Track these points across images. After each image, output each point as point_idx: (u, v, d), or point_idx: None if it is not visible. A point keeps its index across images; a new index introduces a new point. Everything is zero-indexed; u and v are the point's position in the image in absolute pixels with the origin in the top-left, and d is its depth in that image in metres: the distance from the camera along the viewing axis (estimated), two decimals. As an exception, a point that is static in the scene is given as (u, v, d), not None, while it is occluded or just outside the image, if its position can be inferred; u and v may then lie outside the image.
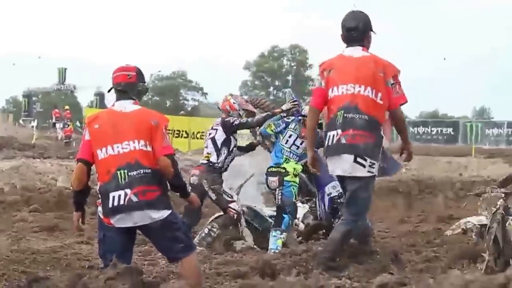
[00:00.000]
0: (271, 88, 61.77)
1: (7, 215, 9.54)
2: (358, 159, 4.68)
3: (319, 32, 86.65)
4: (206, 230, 6.92)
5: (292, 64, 62.85)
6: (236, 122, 6.86)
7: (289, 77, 62.21)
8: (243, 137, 7.33)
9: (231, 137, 6.93)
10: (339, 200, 6.72)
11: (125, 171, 3.98)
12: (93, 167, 4.19)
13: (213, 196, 6.82)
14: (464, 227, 6.37)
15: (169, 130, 4.88)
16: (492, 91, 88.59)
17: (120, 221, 4.01)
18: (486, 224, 5.82)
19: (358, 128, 4.67)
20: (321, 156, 5.54)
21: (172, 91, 59.16)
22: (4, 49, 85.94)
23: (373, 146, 4.71)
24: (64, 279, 4.31)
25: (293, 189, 6.59)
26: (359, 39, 4.88)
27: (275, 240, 6.44)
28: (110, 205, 3.99)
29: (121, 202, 3.96)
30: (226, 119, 6.94)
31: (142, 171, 3.99)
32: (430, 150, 21.26)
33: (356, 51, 4.86)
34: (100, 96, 45.08)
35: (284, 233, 6.48)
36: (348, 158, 4.70)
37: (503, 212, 5.89)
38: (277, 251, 5.97)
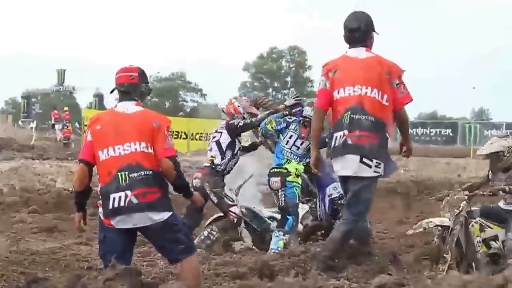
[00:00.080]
0: (270, 90, 61.73)
1: (6, 216, 9.55)
2: (364, 160, 4.70)
3: (318, 33, 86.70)
4: (205, 233, 6.92)
5: (291, 66, 62.83)
6: (240, 124, 6.87)
7: (288, 79, 62.18)
8: (242, 138, 7.33)
9: (236, 140, 6.94)
10: (339, 202, 6.74)
11: (126, 172, 3.98)
12: (95, 168, 4.20)
13: (215, 199, 6.83)
14: (426, 227, 6.39)
15: (169, 131, 4.87)
16: (491, 92, 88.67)
17: (120, 223, 4.01)
18: (449, 226, 5.83)
19: (364, 129, 4.70)
20: (323, 157, 5.55)
21: (171, 92, 59.10)
22: (3, 50, 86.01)
23: (378, 147, 4.74)
24: (63, 280, 4.32)
25: (296, 190, 6.61)
26: (361, 39, 4.90)
27: (277, 241, 6.44)
28: (111, 207, 3.99)
29: (122, 203, 3.96)
30: (230, 122, 6.95)
31: (143, 173, 3.99)
32: (428, 151, 21.30)
33: (361, 52, 4.88)
34: (99, 97, 45.05)
35: (287, 235, 6.48)
36: (355, 158, 4.72)
37: (465, 215, 5.90)
38: (278, 251, 5.98)
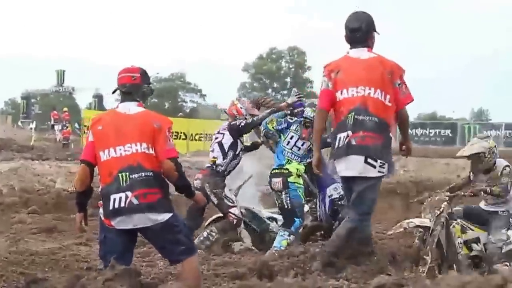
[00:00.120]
0: (270, 90, 61.71)
1: (6, 216, 9.56)
2: (369, 160, 4.72)
3: (318, 34, 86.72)
4: (205, 234, 6.92)
5: (291, 66, 62.84)
6: (242, 124, 6.88)
7: (288, 79, 62.18)
8: (243, 138, 7.34)
9: (238, 141, 6.95)
10: (339, 202, 6.76)
11: (127, 173, 3.98)
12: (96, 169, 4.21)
13: (215, 200, 6.84)
14: (406, 227, 6.40)
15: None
16: (490, 93, 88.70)
17: (121, 223, 4.01)
18: (429, 227, 5.82)
19: (368, 130, 4.71)
20: (324, 158, 5.56)
21: (171, 93, 59.09)
22: (2, 50, 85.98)
23: (382, 147, 4.76)
24: (63, 281, 4.32)
25: (299, 191, 6.61)
26: (362, 40, 4.90)
27: (281, 240, 6.45)
28: (111, 207, 4.00)
29: (122, 204, 3.97)
30: (233, 123, 6.96)
31: (143, 174, 3.99)
32: (428, 152, 21.29)
33: (363, 53, 4.88)
34: (99, 98, 45.03)
35: (292, 236, 6.48)
36: (359, 159, 4.73)
37: (446, 216, 5.90)
38: (280, 249, 6.00)
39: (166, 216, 4.02)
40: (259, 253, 6.51)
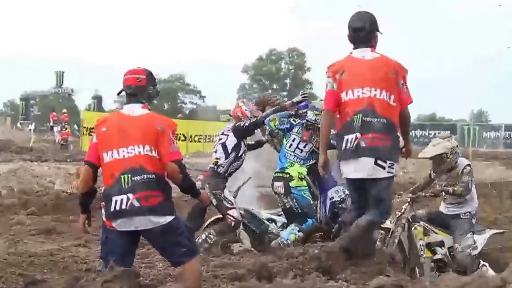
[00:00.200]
0: (269, 92, 61.81)
1: (5, 218, 9.54)
2: (378, 161, 4.72)
3: (318, 35, 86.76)
4: (203, 236, 6.91)
5: (290, 68, 62.89)
6: (246, 124, 6.89)
7: (287, 80, 62.24)
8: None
9: (242, 142, 6.95)
10: (340, 205, 6.75)
11: (129, 175, 3.98)
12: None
13: (214, 201, 6.82)
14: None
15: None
16: (490, 94, 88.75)
17: (122, 225, 4.01)
18: (390, 228, 5.81)
19: (376, 131, 4.71)
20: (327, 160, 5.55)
21: (170, 94, 59.11)
22: (1, 51, 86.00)
23: (391, 148, 4.77)
24: (61, 282, 4.31)
25: (305, 192, 6.63)
26: (366, 39, 4.90)
27: (290, 233, 6.48)
28: (112, 209, 4.00)
29: (123, 206, 3.97)
30: (237, 124, 6.96)
31: (145, 177, 3.98)
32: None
33: (366, 53, 4.88)
34: (98, 99, 45.06)
35: (301, 232, 6.49)
36: (369, 161, 4.72)
37: (408, 217, 5.88)
38: (286, 243, 6.09)
39: (167, 219, 4.01)
40: (258, 255, 6.49)
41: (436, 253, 6.07)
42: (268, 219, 7.20)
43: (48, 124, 34.15)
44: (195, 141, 24.84)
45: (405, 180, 15.01)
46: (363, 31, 4.88)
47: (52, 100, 53.81)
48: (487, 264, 5.98)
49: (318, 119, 6.50)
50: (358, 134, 4.72)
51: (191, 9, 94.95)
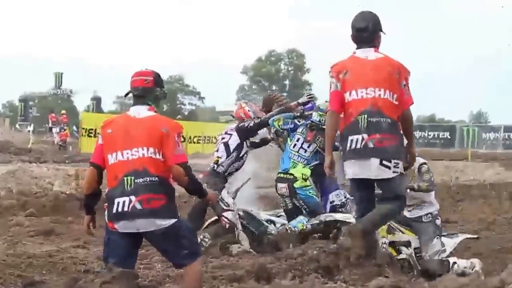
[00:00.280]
0: (268, 93, 61.82)
1: (3, 219, 9.53)
2: (384, 162, 4.73)
3: (317, 36, 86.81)
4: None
5: (290, 69, 62.93)
6: (251, 124, 6.90)
7: (286, 82, 62.27)
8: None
9: (244, 143, 6.95)
10: (340, 210, 6.76)
11: (132, 177, 3.97)
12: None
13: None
14: (324, 219, 6.38)
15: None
16: (489, 95, 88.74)
17: (124, 227, 4.00)
18: (351, 223, 5.79)
19: (383, 131, 4.72)
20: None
21: (169, 96, 58.81)
22: (0, 52, 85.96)
23: (398, 147, 4.80)
24: (60, 283, 4.32)
25: (310, 192, 6.65)
26: (369, 40, 4.90)
27: (298, 223, 6.53)
28: (114, 211, 3.99)
29: (125, 208, 3.96)
30: (241, 124, 6.97)
31: (148, 179, 3.97)
32: (426, 154, 21.29)
33: (370, 53, 4.88)
34: (97, 100, 45.05)
35: (309, 225, 6.53)
36: (375, 161, 4.73)
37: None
38: (293, 229, 6.23)
39: (170, 222, 4.00)
40: (257, 256, 6.49)
41: (401, 253, 6.02)
42: (267, 220, 7.19)
43: (47, 125, 34.16)
44: (194, 142, 24.82)
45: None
46: (367, 31, 4.89)
47: (51, 101, 53.83)
48: (457, 261, 5.86)
49: (322, 120, 6.51)
50: (365, 135, 4.72)
51: (190, 10, 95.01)
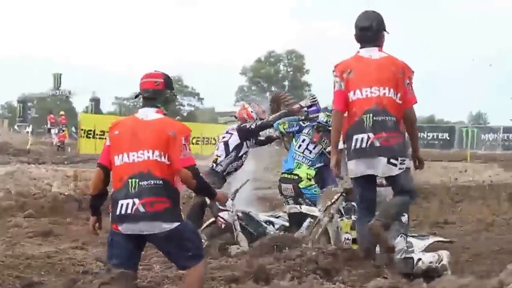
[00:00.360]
0: (268, 94, 61.85)
1: (2, 220, 9.50)
2: (391, 160, 4.75)
3: (317, 37, 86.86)
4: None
5: (289, 70, 62.99)
6: (252, 126, 6.90)
7: (286, 83, 62.31)
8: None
9: (244, 143, 6.95)
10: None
11: (137, 180, 3.96)
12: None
13: (208, 201, 6.81)
14: (287, 211, 6.36)
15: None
16: (489, 96, 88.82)
17: (127, 229, 4.00)
18: (317, 216, 5.78)
19: (389, 130, 4.74)
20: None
21: (168, 96, 59.10)
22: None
23: (404, 145, 4.85)
24: (58, 284, 4.32)
25: (315, 190, 6.69)
26: (373, 39, 4.91)
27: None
28: (118, 212, 3.99)
29: (128, 211, 3.95)
30: (243, 125, 6.98)
31: (152, 182, 3.96)
32: (425, 155, 21.29)
33: (374, 52, 4.90)
34: (96, 101, 45.07)
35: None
36: (383, 160, 4.75)
37: (341, 208, 5.83)
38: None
39: (173, 225, 3.98)
40: (255, 257, 6.49)
41: None
42: (266, 221, 7.19)
43: (45, 126, 34.20)
44: (193, 144, 24.69)
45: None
46: (370, 30, 4.90)
47: (49, 102, 53.85)
48: (422, 257, 5.77)
49: (329, 121, 6.52)
50: (371, 134, 4.74)
51: (189, 11, 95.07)
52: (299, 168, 6.70)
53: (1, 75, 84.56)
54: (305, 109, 6.98)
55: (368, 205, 5.02)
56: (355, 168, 4.89)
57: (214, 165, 6.91)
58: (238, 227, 6.96)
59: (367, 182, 4.94)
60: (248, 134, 6.93)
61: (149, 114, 4.15)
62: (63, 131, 28.16)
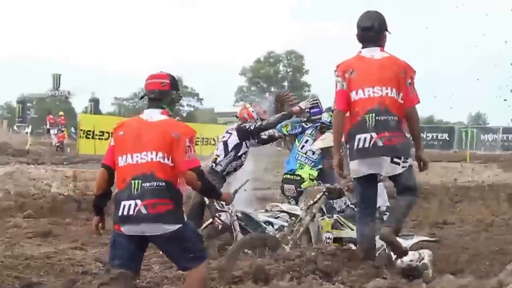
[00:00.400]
0: (267, 94, 61.86)
1: (1, 221, 9.50)
2: (395, 159, 4.76)
3: (316, 37, 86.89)
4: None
5: (288, 70, 63.02)
6: (251, 127, 6.90)
7: (285, 83, 62.31)
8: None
9: (244, 143, 6.95)
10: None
11: (139, 181, 3.95)
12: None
13: (207, 201, 6.81)
14: (268, 209, 6.36)
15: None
16: (488, 97, 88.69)
17: (129, 230, 3.99)
18: (298, 215, 5.77)
19: (392, 129, 4.74)
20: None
21: (168, 97, 59.06)
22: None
23: (406, 144, 4.84)
24: (58, 285, 4.32)
25: None
26: (374, 39, 4.91)
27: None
28: (120, 213, 3.98)
29: (131, 212, 3.95)
30: (242, 125, 6.98)
31: (155, 184, 3.95)
32: (425, 156, 21.31)
33: (376, 52, 4.89)
34: (95, 101, 45.06)
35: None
36: (386, 159, 4.76)
37: (322, 207, 5.82)
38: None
39: (175, 227, 3.97)
40: (254, 257, 6.48)
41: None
42: (265, 222, 7.18)
43: (44, 126, 34.17)
44: (192, 144, 24.82)
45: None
46: (372, 30, 4.90)
47: (49, 103, 53.85)
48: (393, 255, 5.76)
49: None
50: (374, 134, 4.73)
51: (189, 11, 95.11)
52: (301, 168, 6.70)
53: (0, 75, 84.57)
54: (307, 110, 6.96)
55: (367, 206, 5.01)
56: (358, 168, 4.88)
57: (214, 165, 6.91)
58: (238, 228, 6.96)
59: (369, 181, 4.94)
60: (247, 135, 6.94)
61: (154, 115, 4.13)
62: (63, 131, 28.16)
